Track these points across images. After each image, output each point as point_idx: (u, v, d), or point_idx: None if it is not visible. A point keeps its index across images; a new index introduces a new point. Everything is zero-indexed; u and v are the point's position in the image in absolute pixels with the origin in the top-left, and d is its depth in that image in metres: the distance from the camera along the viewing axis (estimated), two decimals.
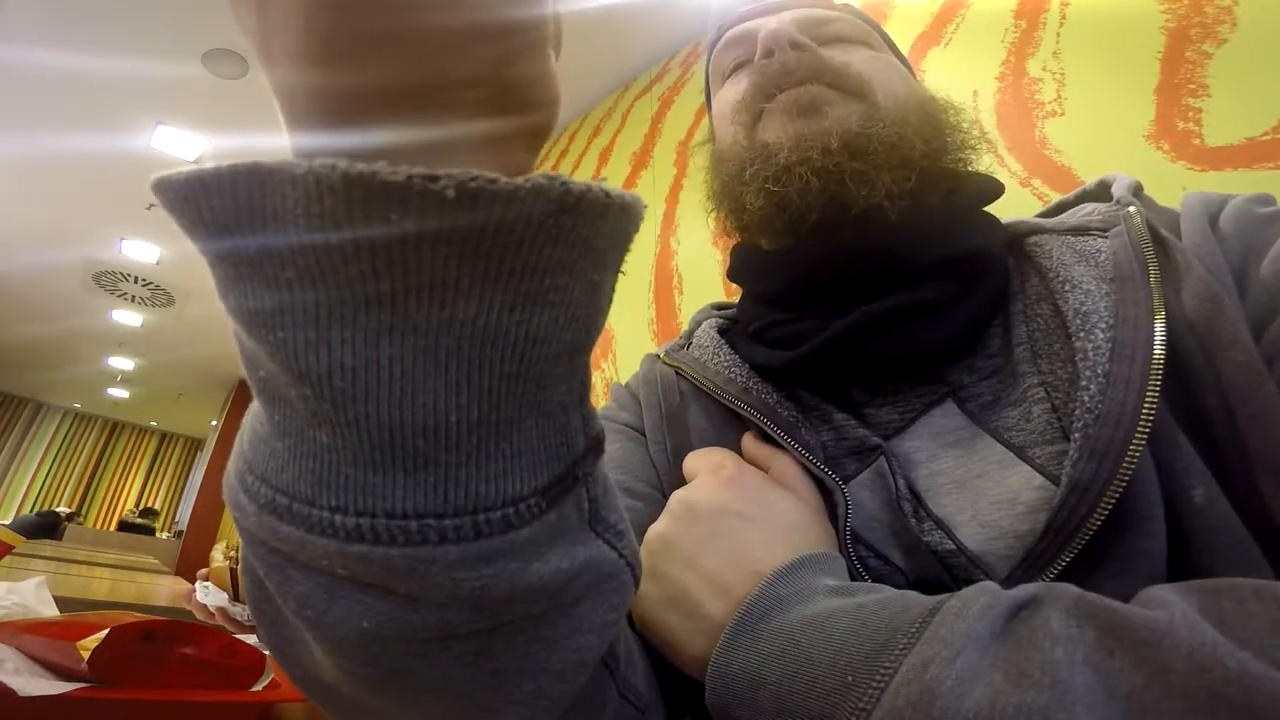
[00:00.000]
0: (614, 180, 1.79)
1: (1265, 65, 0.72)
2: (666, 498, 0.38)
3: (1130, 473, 0.27)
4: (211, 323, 4.69)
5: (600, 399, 1.47)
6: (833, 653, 0.24)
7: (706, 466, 0.36)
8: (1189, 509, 0.28)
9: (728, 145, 0.43)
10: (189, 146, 2.60)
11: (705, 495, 0.34)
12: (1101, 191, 0.41)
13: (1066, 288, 0.34)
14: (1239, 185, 0.69)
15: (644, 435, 0.45)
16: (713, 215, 0.47)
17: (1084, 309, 0.32)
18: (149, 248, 3.58)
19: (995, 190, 0.42)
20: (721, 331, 0.47)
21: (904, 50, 1.17)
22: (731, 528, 0.32)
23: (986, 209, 0.42)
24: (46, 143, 2.65)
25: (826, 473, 0.35)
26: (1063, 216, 0.41)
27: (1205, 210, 0.35)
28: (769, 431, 0.37)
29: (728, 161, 0.43)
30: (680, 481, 0.38)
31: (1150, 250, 0.33)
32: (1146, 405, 0.28)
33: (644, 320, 1.44)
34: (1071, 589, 0.23)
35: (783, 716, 0.25)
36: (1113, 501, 0.27)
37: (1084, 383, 0.29)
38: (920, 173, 0.37)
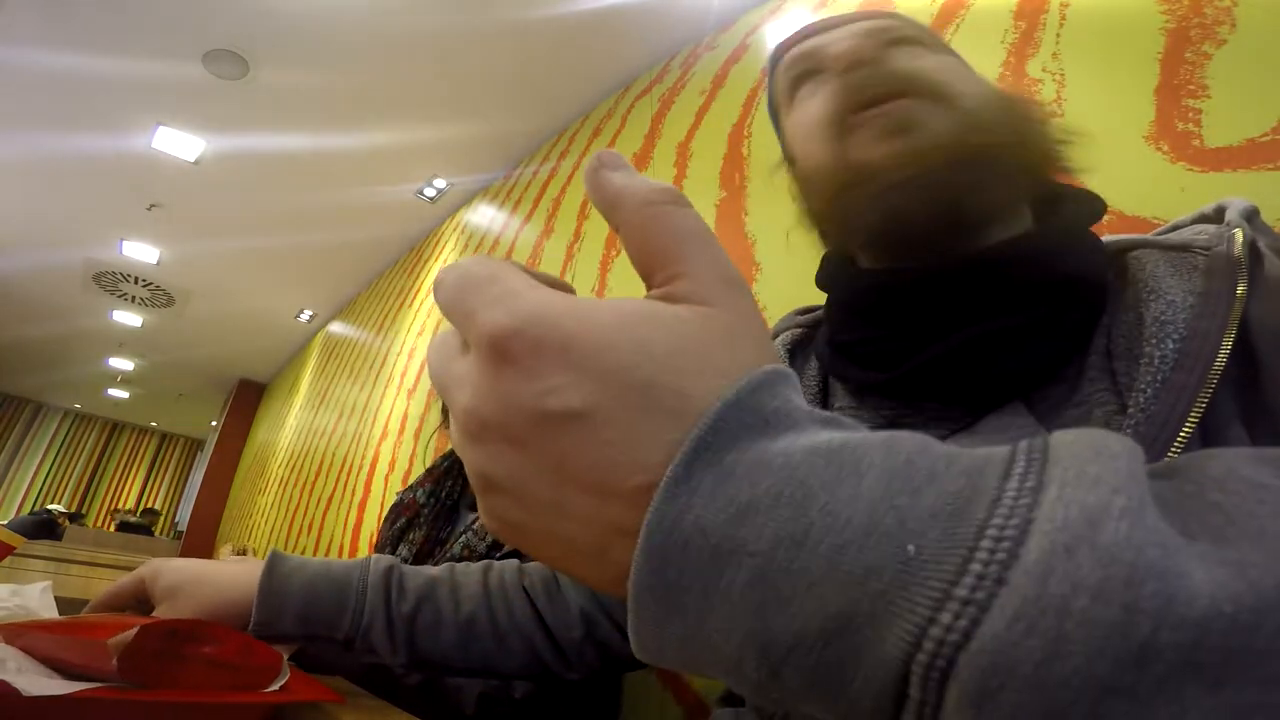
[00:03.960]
0: None
1: (1265, 65, 0.72)
2: None
3: None
4: (211, 323, 4.69)
5: None
6: (877, 498, 0.13)
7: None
8: None
9: (818, 165, 0.44)
10: (189, 147, 2.60)
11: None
12: (1217, 215, 0.42)
13: (1153, 298, 0.36)
14: (1239, 186, 0.70)
15: None
16: (810, 235, 0.49)
17: (1163, 318, 0.34)
18: (149, 248, 3.58)
19: (1098, 210, 0.43)
20: (798, 344, 0.50)
21: None
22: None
23: (1090, 229, 0.42)
24: (46, 143, 2.65)
25: None
26: (1171, 235, 0.42)
27: None
28: None
29: (824, 182, 0.43)
30: None
31: (1244, 269, 0.35)
32: (1195, 409, 0.30)
33: None
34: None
35: (771, 610, 0.14)
36: None
37: (1142, 385, 0.32)
38: (1029, 174, 0.39)
